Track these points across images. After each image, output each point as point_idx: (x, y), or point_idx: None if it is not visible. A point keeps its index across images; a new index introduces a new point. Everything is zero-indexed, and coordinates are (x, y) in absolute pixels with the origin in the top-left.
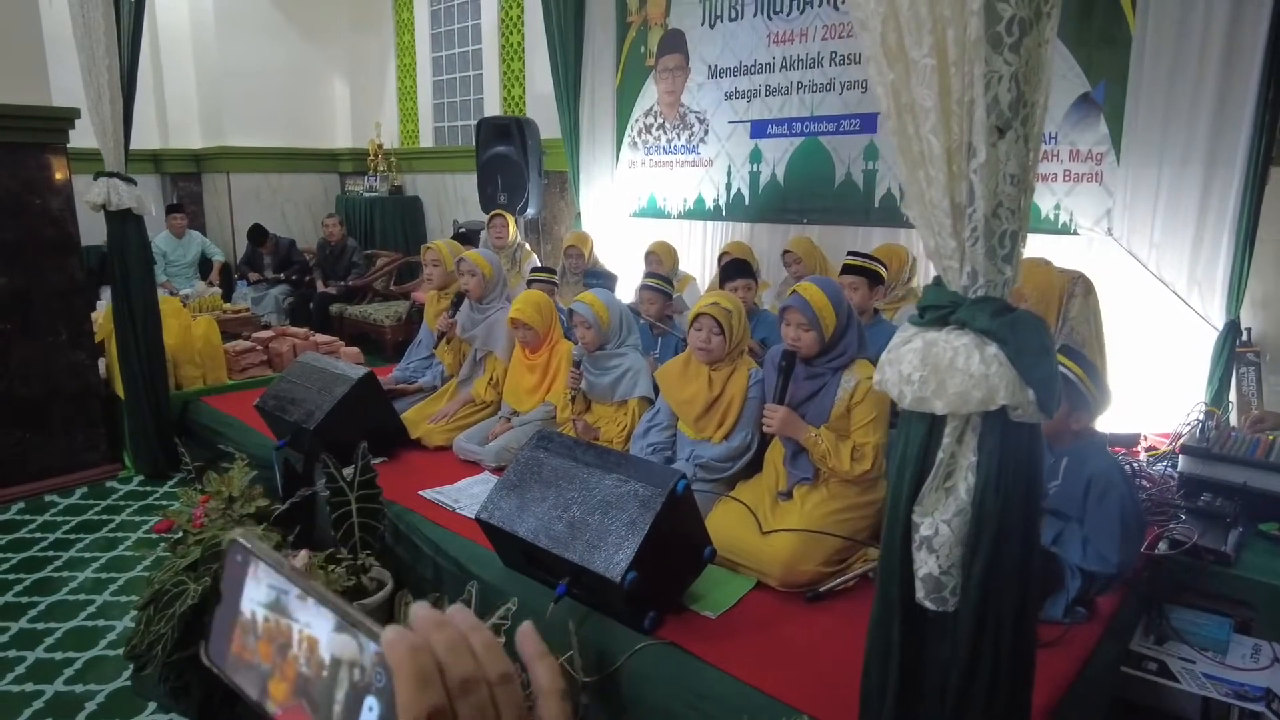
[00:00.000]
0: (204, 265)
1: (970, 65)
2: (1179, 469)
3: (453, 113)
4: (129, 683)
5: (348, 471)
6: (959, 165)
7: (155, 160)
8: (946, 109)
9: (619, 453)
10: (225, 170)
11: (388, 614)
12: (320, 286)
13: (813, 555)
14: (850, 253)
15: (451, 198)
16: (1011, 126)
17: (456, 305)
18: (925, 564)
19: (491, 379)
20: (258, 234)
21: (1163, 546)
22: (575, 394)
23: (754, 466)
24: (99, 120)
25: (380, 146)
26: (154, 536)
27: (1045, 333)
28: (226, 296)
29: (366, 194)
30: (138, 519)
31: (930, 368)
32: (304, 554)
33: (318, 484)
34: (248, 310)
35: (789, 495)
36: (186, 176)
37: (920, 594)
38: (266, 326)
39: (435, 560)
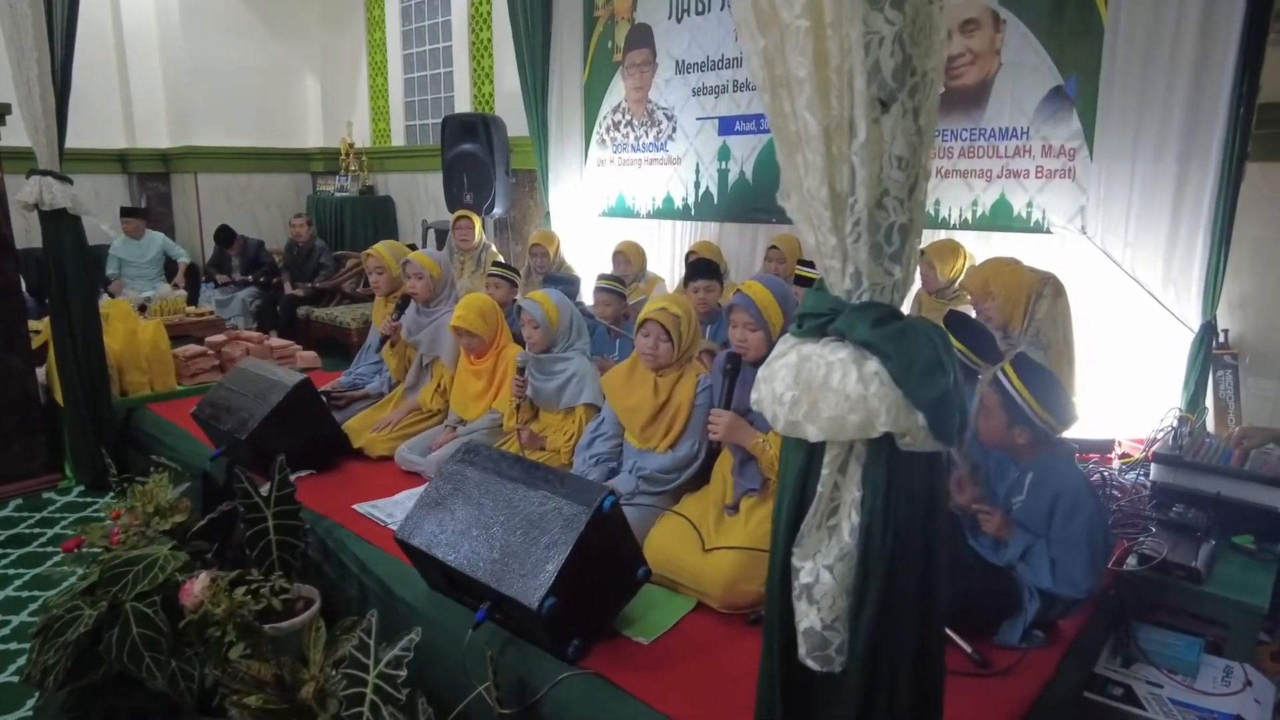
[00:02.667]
0: (171, 267)
1: (847, 26)
2: (1151, 478)
3: (424, 111)
4: (30, 712)
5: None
6: (839, 147)
7: (122, 160)
8: (824, 80)
9: (547, 467)
10: (193, 170)
11: (299, 640)
12: (288, 289)
13: (756, 574)
14: (800, 261)
15: (423, 197)
16: (897, 99)
17: (402, 308)
18: (806, 616)
19: (439, 386)
20: (225, 235)
21: (1131, 562)
22: (520, 401)
23: (702, 479)
24: (30, 116)
25: (352, 146)
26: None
27: (940, 345)
28: (193, 299)
29: (338, 194)
30: (72, 532)
31: (802, 386)
32: (204, 576)
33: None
34: (212, 313)
35: (735, 509)
36: (154, 176)
37: (802, 651)
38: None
39: (361, 579)
